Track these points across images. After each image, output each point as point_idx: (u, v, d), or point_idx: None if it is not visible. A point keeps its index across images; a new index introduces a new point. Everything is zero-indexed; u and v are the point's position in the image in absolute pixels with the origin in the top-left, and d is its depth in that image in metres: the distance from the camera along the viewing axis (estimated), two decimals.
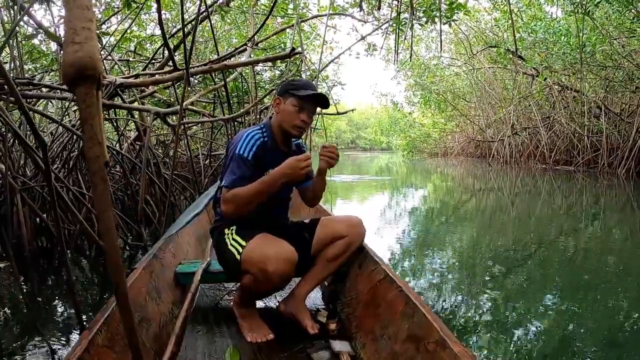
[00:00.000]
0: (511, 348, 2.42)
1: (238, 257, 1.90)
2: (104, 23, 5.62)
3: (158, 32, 7.89)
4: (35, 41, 5.66)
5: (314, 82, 8.17)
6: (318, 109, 2.15)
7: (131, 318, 0.52)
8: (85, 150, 0.49)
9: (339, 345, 1.89)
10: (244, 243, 1.91)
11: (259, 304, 2.38)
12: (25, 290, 3.32)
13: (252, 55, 6.21)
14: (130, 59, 6.86)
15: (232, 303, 2.17)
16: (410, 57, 8.88)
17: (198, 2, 3.71)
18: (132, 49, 6.89)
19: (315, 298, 2.48)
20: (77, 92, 0.46)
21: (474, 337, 2.54)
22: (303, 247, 2.06)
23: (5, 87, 3.11)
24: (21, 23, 4.38)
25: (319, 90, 2.12)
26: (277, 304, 2.24)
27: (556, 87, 15.00)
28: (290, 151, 2.17)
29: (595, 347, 2.43)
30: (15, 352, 2.35)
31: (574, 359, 2.32)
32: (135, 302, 1.75)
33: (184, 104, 5.52)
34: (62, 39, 4.83)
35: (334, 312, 2.25)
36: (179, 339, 1.83)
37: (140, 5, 5.22)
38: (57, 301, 3.23)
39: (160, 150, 7.86)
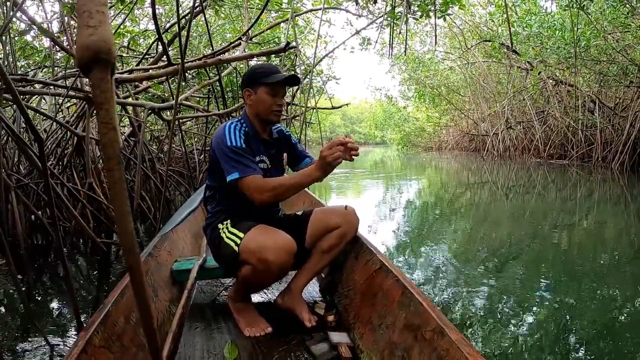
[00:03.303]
0: (507, 337, 2.44)
1: (236, 248, 1.89)
2: None
3: (151, 27, 7.84)
4: (28, 37, 5.61)
5: (308, 76, 8.14)
6: (317, 105, 2.15)
7: (147, 302, 0.51)
8: (100, 135, 0.49)
9: (338, 337, 1.89)
10: (241, 235, 1.91)
11: (256, 298, 2.38)
12: (23, 288, 3.30)
13: (246, 50, 6.17)
14: (124, 55, 6.81)
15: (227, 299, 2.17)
16: (405, 51, 8.88)
17: None
18: (126, 44, 6.85)
19: (312, 290, 2.49)
20: (92, 77, 0.46)
21: (471, 328, 2.55)
22: (297, 239, 2.04)
23: (1, 83, 3.07)
24: (14, 19, 4.33)
25: (294, 74, 2.09)
26: (274, 298, 2.24)
27: (550, 81, 15.04)
28: (272, 138, 2.19)
29: (590, 337, 2.45)
30: (14, 350, 2.34)
31: (570, 347, 2.35)
32: (132, 302, 1.73)
33: (179, 98, 5.49)
34: (55, 34, 4.75)
35: (331, 303, 2.26)
36: (176, 337, 1.82)
37: (134, 1, 5.18)
38: (54, 298, 3.22)
39: (154, 146, 7.84)
